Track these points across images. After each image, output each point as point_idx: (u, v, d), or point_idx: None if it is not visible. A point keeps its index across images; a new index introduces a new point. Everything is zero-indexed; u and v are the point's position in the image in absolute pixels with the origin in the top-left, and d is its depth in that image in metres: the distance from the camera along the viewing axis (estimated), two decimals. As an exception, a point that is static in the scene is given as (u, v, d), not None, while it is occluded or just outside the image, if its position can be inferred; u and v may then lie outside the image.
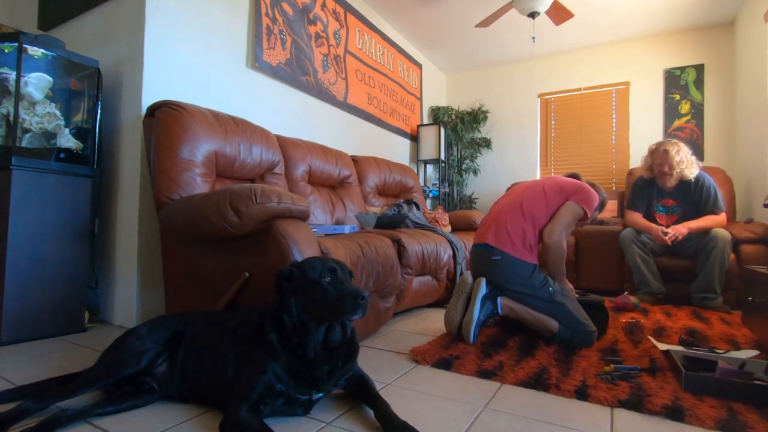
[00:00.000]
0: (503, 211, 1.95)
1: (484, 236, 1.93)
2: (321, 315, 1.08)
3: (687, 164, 2.83)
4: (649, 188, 3.02)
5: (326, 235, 2.05)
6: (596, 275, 3.26)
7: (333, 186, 2.94)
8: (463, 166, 4.98)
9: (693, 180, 2.84)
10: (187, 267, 1.68)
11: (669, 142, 2.91)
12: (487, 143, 5.00)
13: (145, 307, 2.03)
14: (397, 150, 4.38)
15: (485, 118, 5.01)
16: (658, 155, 2.90)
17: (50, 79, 1.97)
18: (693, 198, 2.87)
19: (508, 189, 2.29)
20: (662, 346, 1.68)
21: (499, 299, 1.82)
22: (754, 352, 1.63)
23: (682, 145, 2.88)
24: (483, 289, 1.80)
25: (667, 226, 2.83)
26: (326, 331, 1.11)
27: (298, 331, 1.08)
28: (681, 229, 2.73)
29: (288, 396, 1.06)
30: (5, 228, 1.74)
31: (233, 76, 2.52)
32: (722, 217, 2.77)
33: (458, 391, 1.29)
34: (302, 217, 1.51)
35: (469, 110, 5.04)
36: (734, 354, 1.60)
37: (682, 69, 4.16)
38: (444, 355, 1.58)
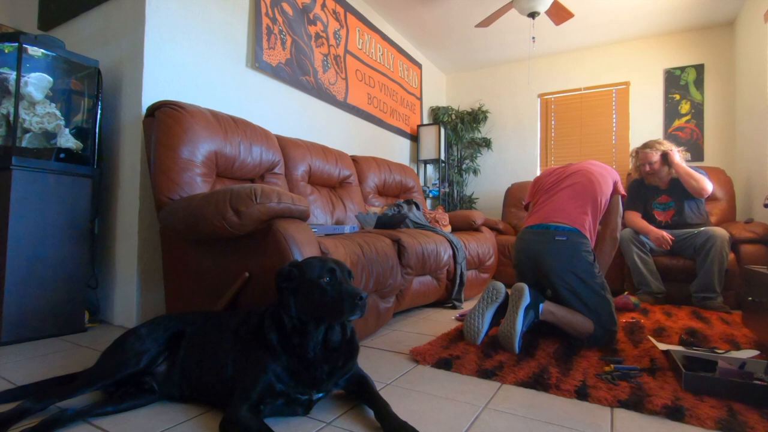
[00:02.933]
0: (565, 195, 1.93)
1: (549, 218, 1.87)
2: (319, 315, 1.08)
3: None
4: (644, 188, 3.09)
5: (326, 235, 2.05)
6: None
7: (333, 186, 2.94)
8: (463, 166, 4.98)
9: None
10: (187, 267, 1.68)
11: (649, 142, 3.01)
12: (487, 143, 5.00)
13: (145, 307, 2.03)
14: (397, 150, 4.38)
15: (485, 118, 5.01)
16: (639, 157, 3.03)
17: (50, 79, 1.97)
18: (684, 190, 2.92)
19: (541, 185, 2.12)
20: (662, 346, 1.68)
21: (541, 306, 1.73)
22: (754, 352, 1.63)
23: (664, 142, 2.97)
24: (527, 299, 1.69)
25: (665, 222, 2.92)
26: (326, 331, 1.11)
27: (298, 331, 1.08)
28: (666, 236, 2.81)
29: (288, 396, 1.06)
30: (5, 228, 1.74)
31: (233, 76, 2.52)
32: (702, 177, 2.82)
33: (458, 391, 1.29)
34: (302, 217, 1.51)
35: (469, 110, 5.04)
36: (734, 354, 1.60)
37: (682, 69, 4.16)
38: (444, 355, 1.58)
